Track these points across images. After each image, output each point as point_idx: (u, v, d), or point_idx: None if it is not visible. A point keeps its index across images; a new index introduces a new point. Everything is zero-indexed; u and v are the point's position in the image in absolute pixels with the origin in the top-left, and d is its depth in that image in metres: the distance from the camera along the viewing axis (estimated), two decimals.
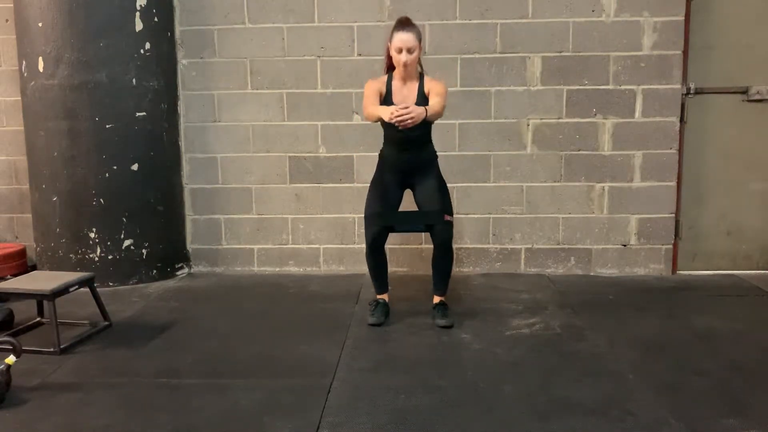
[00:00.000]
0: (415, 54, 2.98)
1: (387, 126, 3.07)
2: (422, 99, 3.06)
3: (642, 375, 2.56)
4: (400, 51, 2.97)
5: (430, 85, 3.07)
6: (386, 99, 3.08)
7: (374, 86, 3.08)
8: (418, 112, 2.83)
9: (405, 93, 3.08)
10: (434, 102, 2.97)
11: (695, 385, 2.48)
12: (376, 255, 3.20)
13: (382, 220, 3.14)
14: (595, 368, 2.63)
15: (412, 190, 3.24)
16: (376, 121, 3.04)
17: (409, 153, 3.15)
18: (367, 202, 3.21)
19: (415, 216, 3.19)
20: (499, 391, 2.43)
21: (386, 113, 2.86)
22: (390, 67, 3.14)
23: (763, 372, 2.58)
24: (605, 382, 2.50)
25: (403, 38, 2.95)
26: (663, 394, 2.39)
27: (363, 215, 4.05)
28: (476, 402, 2.35)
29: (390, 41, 3.03)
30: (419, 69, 3.13)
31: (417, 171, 3.19)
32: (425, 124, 3.02)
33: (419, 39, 3.01)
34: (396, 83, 3.10)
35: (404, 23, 3.00)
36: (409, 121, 2.81)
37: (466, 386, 2.48)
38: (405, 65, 2.99)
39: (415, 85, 3.08)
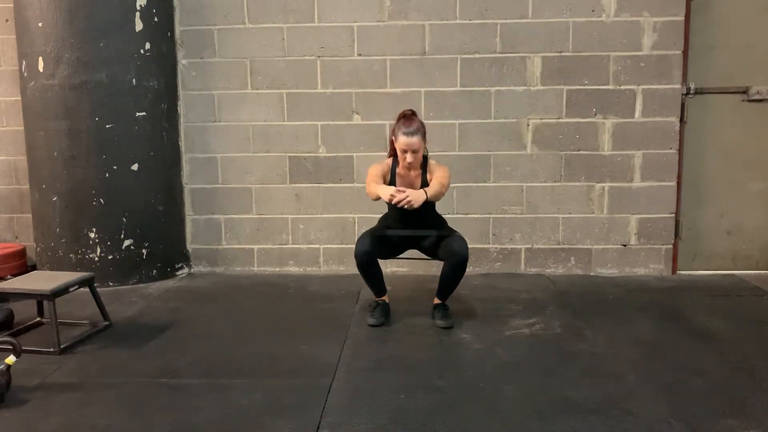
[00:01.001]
0: (419, 154, 3.03)
1: (390, 206, 3.12)
2: (426, 185, 3.09)
3: (642, 375, 2.56)
4: (405, 152, 3.02)
5: (433, 171, 3.10)
6: (390, 185, 3.11)
7: (378, 170, 3.12)
8: (416, 196, 2.91)
9: (408, 180, 3.13)
10: (434, 183, 3.03)
11: (695, 385, 2.48)
12: (368, 268, 3.17)
13: (385, 231, 3.18)
14: (595, 368, 2.63)
15: (417, 245, 3.28)
16: (377, 199, 3.07)
17: (412, 224, 3.18)
18: (371, 228, 3.25)
19: (424, 231, 3.20)
20: (499, 391, 2.43)
21: (386, 194, 2.94)
22: (394, 154, 3.15)
23: (763, 372, 2.58)
24: (605, 382, 2.50)
25: (409, 142, 2.99)
26: (663, 394, 2.39)
27: (363, 215, 4.09)
28: (476, 402, 2.35)
29: (395, 135, 3.05)
30: (424, 152, 3.13)
31: (423, 231, 3.21)
32: (427, 208, 3.08)
33: (424, 136, 3.03)
34: (400, 170, 3.14)
35: (409, 123, 3.01)
36: (406, 205, 2.90)
37: (466, 386, 2.48)
38: (410, 165, 3.05)
39: (419, 172, 3.13)
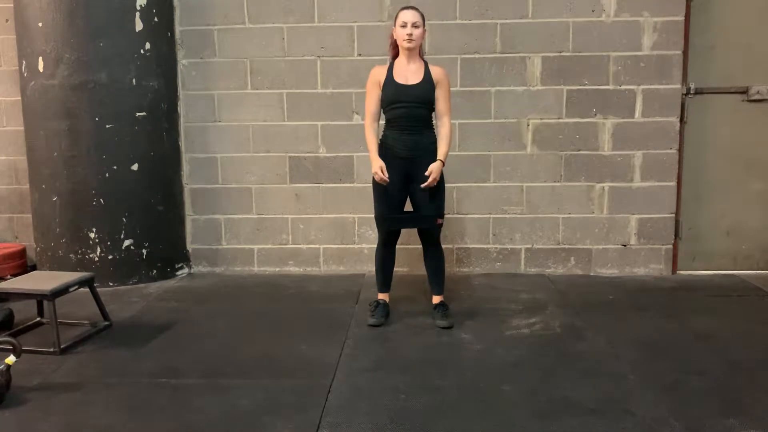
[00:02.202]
0: (419, 30, 3.05)
1: (388, 105, 3.12)
2: (428, 81, 3.09)
3: (642, 375, 2.56)
4: (404, 25, 3.03)
5: (438, 75, 3.12)
6: (387, 79, 3.12)
7: (374, 79, 3.15)
8: (437, 172, 3.05)
9: (408, 74, 3.10)
10: (442, 142, 3.12)
11: (695, 385, 2.48)
12: (386, 252, 3.27)
13: (385, 224, 3.19)
14: (595, 368, 2.63)
15: (412, 182, 3.18)
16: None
17: (410, 136, 3.12)
18: (374, 201, 3.24)
19: (411, 219, 3.25)
20: (499, 391, 2.43)
21: (374, 166, 3.07)
22: (394, 55, 3.17)
23: (763, 372, 2.58)
24: (605, 382, 2.50)
25: (408, 14, 3.04)
26: (663, 394, 2.39)
27: (363, 215, 4.11)
28: (476, 402, 2.35)
29: (394, 24, 3.09)
30: (422, 50, 3.16)
31: (418, 160, 3.12)
32: (427, 107, 3.12)
33: (423, 21, 3.07)
34: (399, 63, 3.13)
35: (409, 6, 3.11)
36: (434, 183, 3.05)
37: (466, 386, 2.48)
38: (410, 37, 3.03)
39: (420, 68, 3.12)
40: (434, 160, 3.16)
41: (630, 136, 3.97)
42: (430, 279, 3.29)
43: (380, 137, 3.22)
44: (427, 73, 3.11)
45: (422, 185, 3.06)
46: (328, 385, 2.51)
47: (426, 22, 3.03)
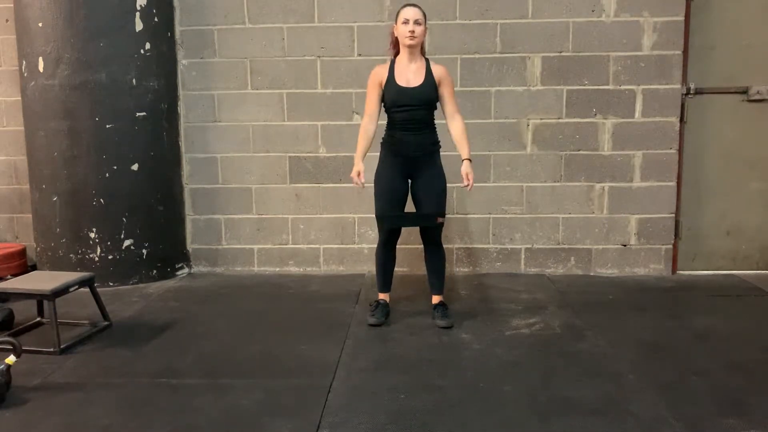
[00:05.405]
0: (421, 27, 3.02)
1: (391, 107, 3.11)
2: (430, 83, 3.07)
3: (642, 375, 2.56)
4: (406, 22, 3.01)
5: (440, 74, 3.09)
6: (389, 81, 3.09)
7: (375, 79, 3.11)
8: (470, 171, 3.09)
9: (409, 75, 3.08)
10: (463, 141, 3.12)
11: (695, 385, 2.48)
12: (387, 252, 3.25)
13: (386, 223, 3.18)
14: (595, 368, 2.63)
15: (413, 180, 3.19)
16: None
17: (413, 136, 3.12)
18: (375, 200, 3.22)
19: (412, 218, 3.22)
20: (499, 391, 2.43)
21: (354, 169, 3.08)
22: (395, 54, 3.15)
23: (763, 372, 2.58)
24: (605, 382, 2.50)
25: (411, 11, 3.02)
26: (663, 394, 2.39)
27: (363, 215, 4.11)
28: (476, 402, 2.35)
29: (396, 22, 3.07)
30: (424, 48, 3.15)
31: (420, 159, 3.15)
32: (429, 108, 3.12)
33: (425, 19, 3.06)
34: (400, 63, 3.10)
35: (411, 3, 3.09)
36: (470, 187, 3.08)
37: (466, 386, 2.48)
38: (412, 34, 3.00)
39: (422, 67, 3.09)
40: (434, 159, 3.18)
41: (630, 136, 3.97)
42: (430, 279, 3.28)
43: (383, 136, 3.22)
44: (429, 73, 3.08)
45: (465, 187, 3.09)
46: (328, 385, 2.51)
47: (426, 22, 3.04)
